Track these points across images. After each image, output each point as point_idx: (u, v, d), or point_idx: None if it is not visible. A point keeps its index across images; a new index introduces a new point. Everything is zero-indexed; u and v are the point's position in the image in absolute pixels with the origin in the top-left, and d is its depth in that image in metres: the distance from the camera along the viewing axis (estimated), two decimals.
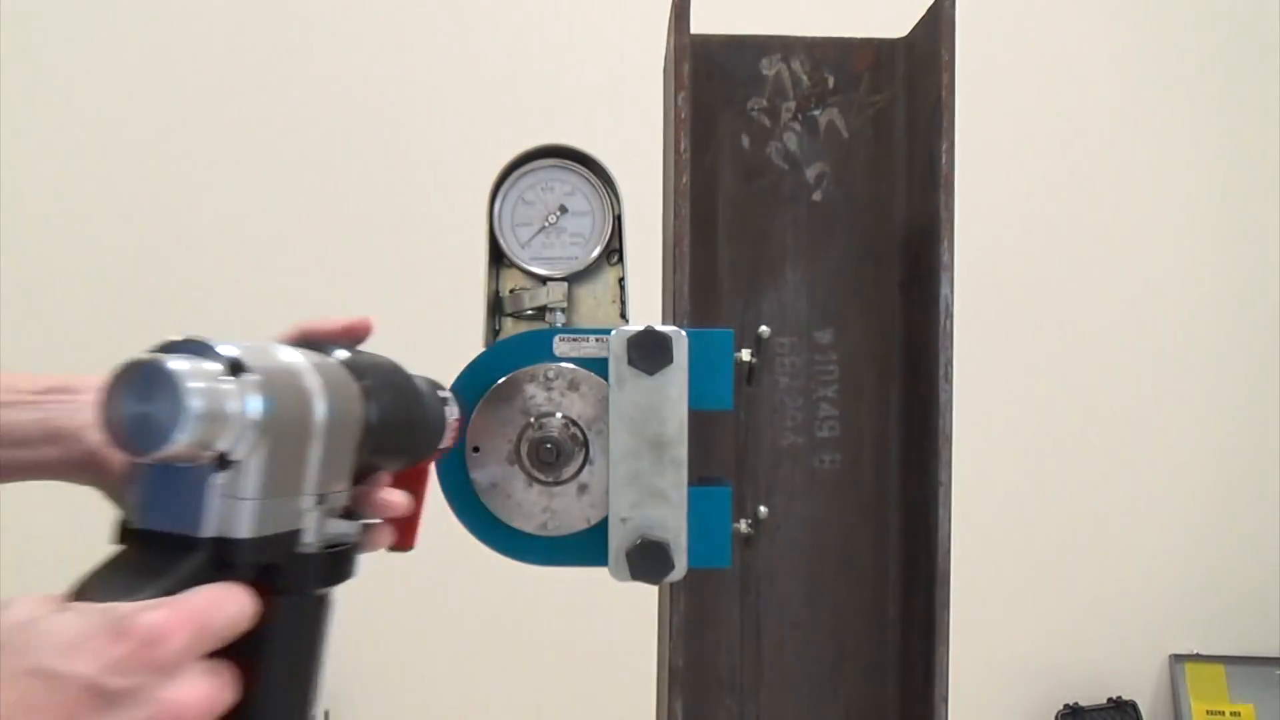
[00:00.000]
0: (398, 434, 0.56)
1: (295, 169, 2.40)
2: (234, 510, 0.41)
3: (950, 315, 0.84)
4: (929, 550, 0.85)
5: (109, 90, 2.32)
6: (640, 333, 0.72)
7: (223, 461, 0.41)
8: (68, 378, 0.59)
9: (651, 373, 0.72)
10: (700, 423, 0.77)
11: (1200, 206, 2.59)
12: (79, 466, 0.59)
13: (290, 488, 0.44)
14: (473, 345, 0.77)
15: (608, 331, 0.73)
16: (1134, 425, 2.57)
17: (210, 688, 0.39)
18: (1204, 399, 2.58)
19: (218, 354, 0.41)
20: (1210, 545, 2.56)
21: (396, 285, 2.40)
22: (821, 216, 0.95)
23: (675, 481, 0.72)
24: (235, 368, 0.41)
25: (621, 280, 0.79)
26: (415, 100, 2.43)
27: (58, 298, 2.21)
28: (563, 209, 0.78)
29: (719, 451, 0.93)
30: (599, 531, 0.73)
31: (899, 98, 0.94)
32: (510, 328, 0.79)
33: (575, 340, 0.74)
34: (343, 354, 0.54)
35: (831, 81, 0.94)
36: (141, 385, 0.39)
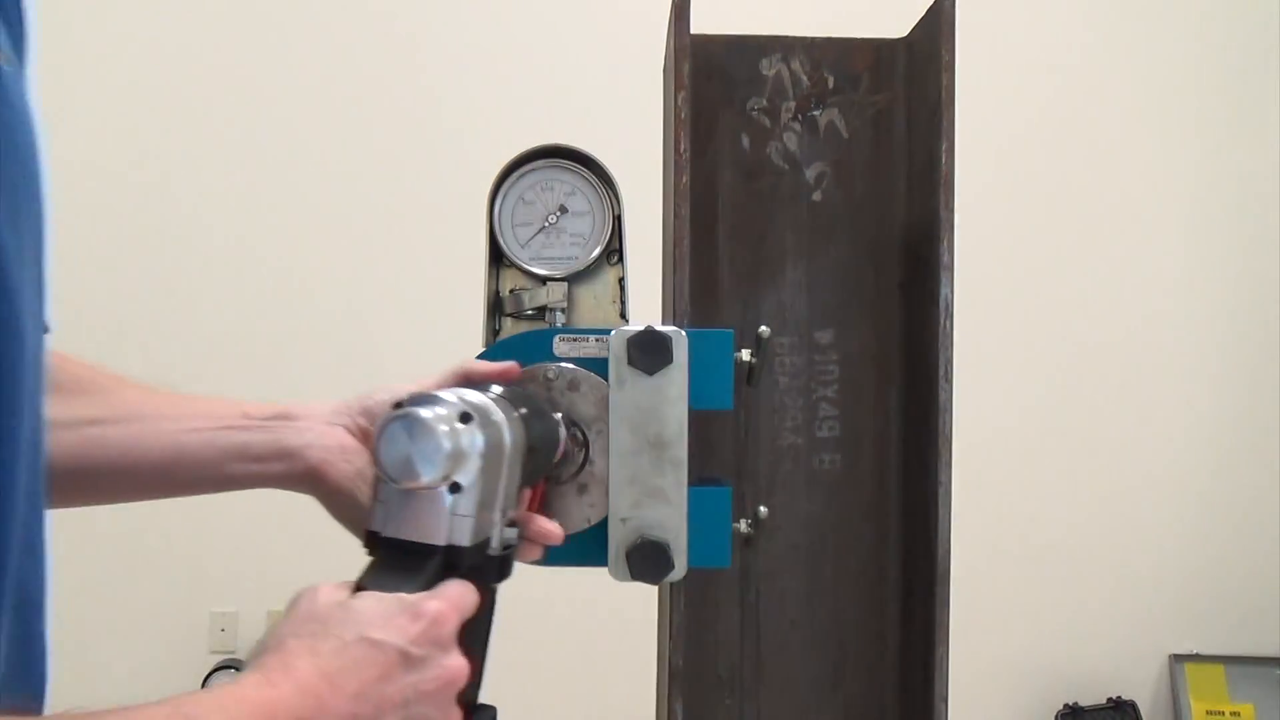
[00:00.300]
0: (542, 454, 0.67)
1: (295, 170, 2.40)
2: (460, 525, 0.54)
3: (950, 315, 0.84)
4: (929, 550, 0.85)
5: (110, 88, 2.32)
6: (640, 333, 0.72)
7: (454, 487, 0.53)
8: (287, 406, 0.71)
9: (651, 373, 0.72)
10: (700, 423, 0.76)
11: (1200, 206, 2.59)
12: (299, 479, 0.69)
13: (489, 505, 0.57)
14: (473, 345, 0.77)
15: (608, 331, 0.73)
16: (1134, 425, 2.57)
17: (463, 659, 0.52)
18: (1204, 400, 2.58)
19: (447, 402, 0.54)
20: (1210, 545, 2.56)
21: (397, 285, 2.40)
22: (821, 216, 0.95)
23: (675, 481, 0.72)
24: (464, 416, 0.54)
25: (621, 280, 0.79)
26: (415, 100, 2.43)
27: (60, 293, 2.20)
28: (563, 209, 0.78)
29: (719, 451, 0.93)
30: (599, 531, 0.73)
31: (899, 98, 0.94)
32: (510, 328, 0.79)
33: (575, 340, 0.74)
34: (498, 389, 0.65)
35: (831, 81, 0.94)
36: (405, 432, 0.52)
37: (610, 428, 0.72)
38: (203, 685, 2.21)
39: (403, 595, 0.51)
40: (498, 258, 0.78)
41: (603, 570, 0.73)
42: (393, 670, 0.49)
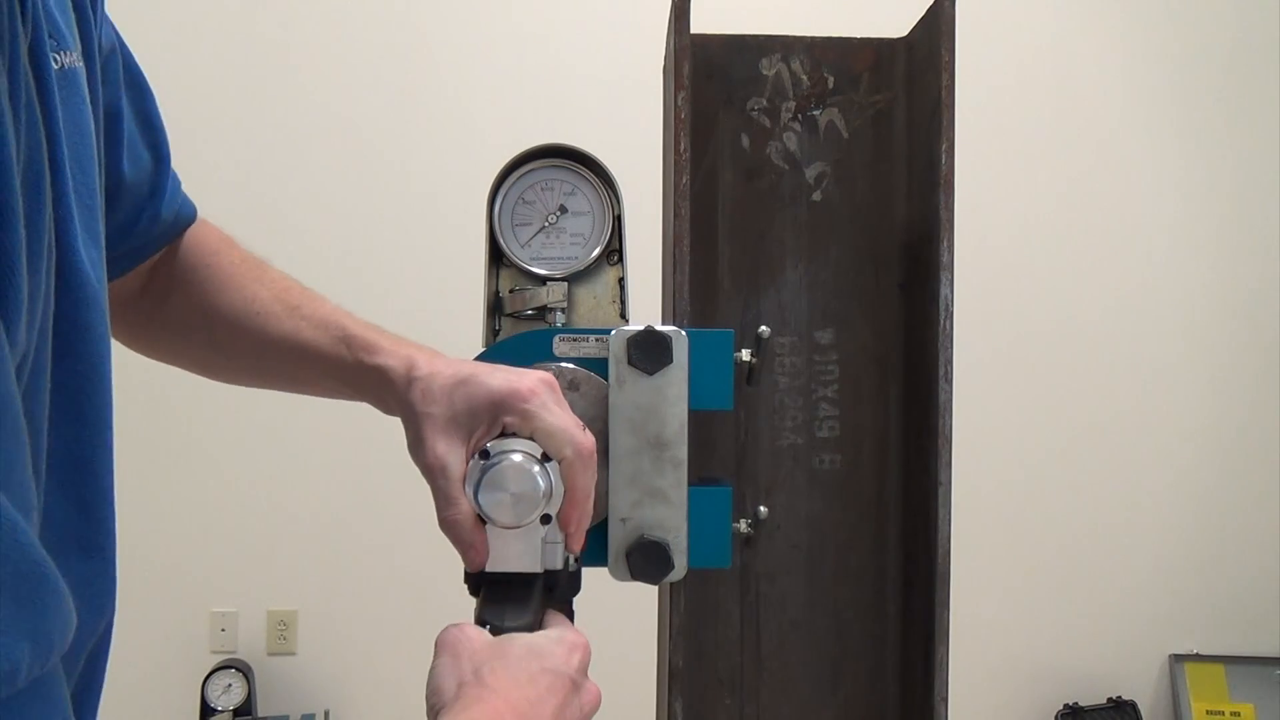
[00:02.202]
0: None
1: (294, 170, 2.40)
2: (554, 551, 0.62)
3: (950, 315, 0.84)
4: (929, 550, 0.85)
5: None
6: (640, 333, 0.72)
7: (545, 519, 0.61)
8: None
9: (651, 373, 0.72)
10: (700, 423, 0.76)
11: (1200, 208, 2.59)
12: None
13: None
14: (473, 345, 0.77)
15: (608, 331, 0.73)
16: (1134, 425, 2.57)
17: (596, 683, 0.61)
18: (1204, 400, 2.58)
19: (527, 446, 0.61)
20: (1210, 546, 2.57)
21: (397, 285, 2.40)
22: (821, 216, 0.95)
23: (675, 481, 0.72)
24: (544, 457, 0.61)
25: (621, 280, 0.79)
26: (415, 101, 2.44)
27: None
28: (563, 209, 0.78)
29: (719, 451, 0.93)
30: (599, 531, 0.73)
31: (899, 98, 0.94)
32: (510, 328, 0.78)
33: (575, 340, 0.74)
34: None
35: (831, 81, 0.94)
36: (504, 479, 0.59)
37: (610, 428, 0.72)
38: (203, 685, 2.21)
39: (554, 632, 0.60)
40: (497, 258, 0.78)
41: (603, 570, 0.73)
42: (570, 696, 0.57)
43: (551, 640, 0.58)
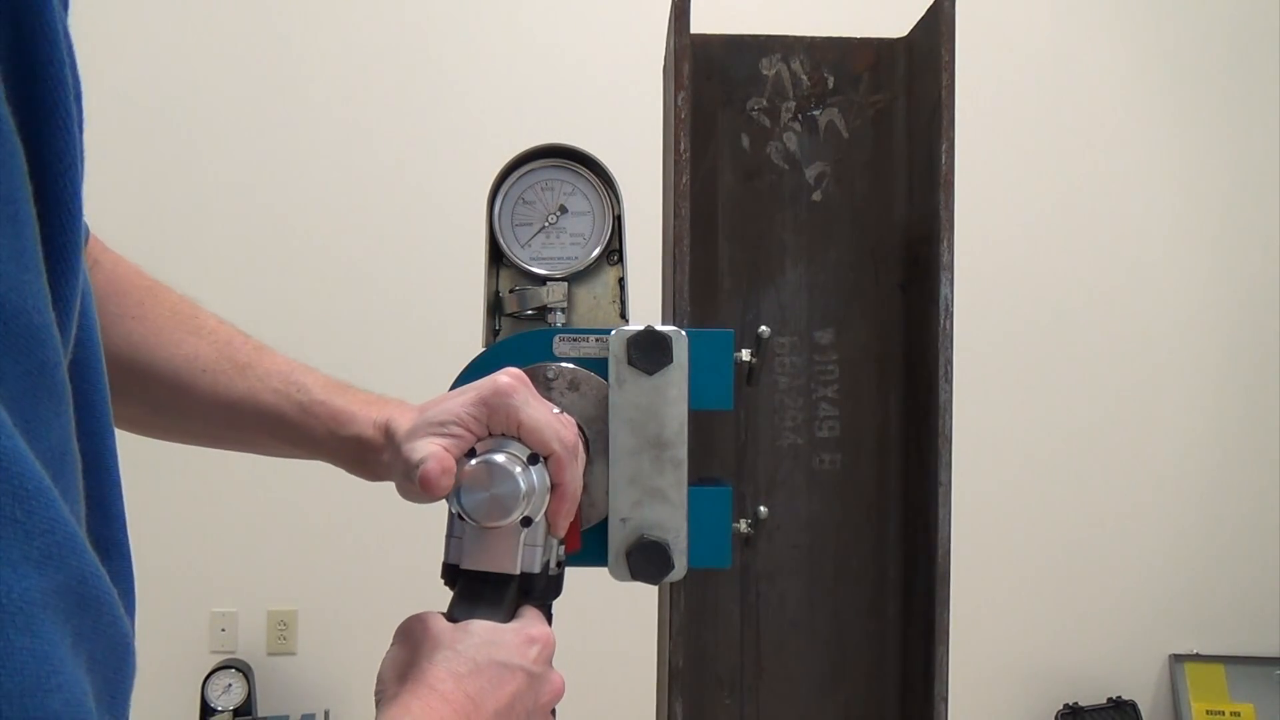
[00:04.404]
0: None
1: (294, 170, 2.40)
2: (530, 554, 0.61)
3: (950, 315, 0.84)
4: (929, 550, 0.85)
5: (109, 92, 2.32)
6: (640, 333, 0.72)
7: (525, 521, 0.60)
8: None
9: (651, 373, 0.72)
10: (700, 423, 0.76)
11: (1201, 208, 2.59)
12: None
13: (546, 531, 0.63)
14: (473, 345, 0.77)
15: (608, 331, 0.73)
16: (1134, 425, 2.57)
17: (560, 675, 0.60)
18: (1204, 399, 2.58)
19: (515, 447, 0.61)
20: (1209, 546, 2.57)
21: (397, 285, 2.40)
22: (821, 216, 0.95)
23: (675, 481, 0.72)
24: (533, 458, 0.61)
25: (621, 280, 0.79)
26: (416, 101, 2.44)
27: None
28: (563, 209, 0.78)
29: (719, 451, 0.93)
30: (599, 531, 0.73)
31: (899, 98, 0.94)
32: (510, 328, 0.78)
33: (575, 340, 0.74)
34: None
35: (831, 81, 0.94)
36: (486, 478, 0.59)
37: (610, 428, 0.72)
38: (203, 685, 2.22)
39: (515, 624, 0.59)
40: (497, 258, 0.78)
41: (603, 570, 0.73)
42: (522, 688, 0.56)
43: (510, 631, 0.57)
